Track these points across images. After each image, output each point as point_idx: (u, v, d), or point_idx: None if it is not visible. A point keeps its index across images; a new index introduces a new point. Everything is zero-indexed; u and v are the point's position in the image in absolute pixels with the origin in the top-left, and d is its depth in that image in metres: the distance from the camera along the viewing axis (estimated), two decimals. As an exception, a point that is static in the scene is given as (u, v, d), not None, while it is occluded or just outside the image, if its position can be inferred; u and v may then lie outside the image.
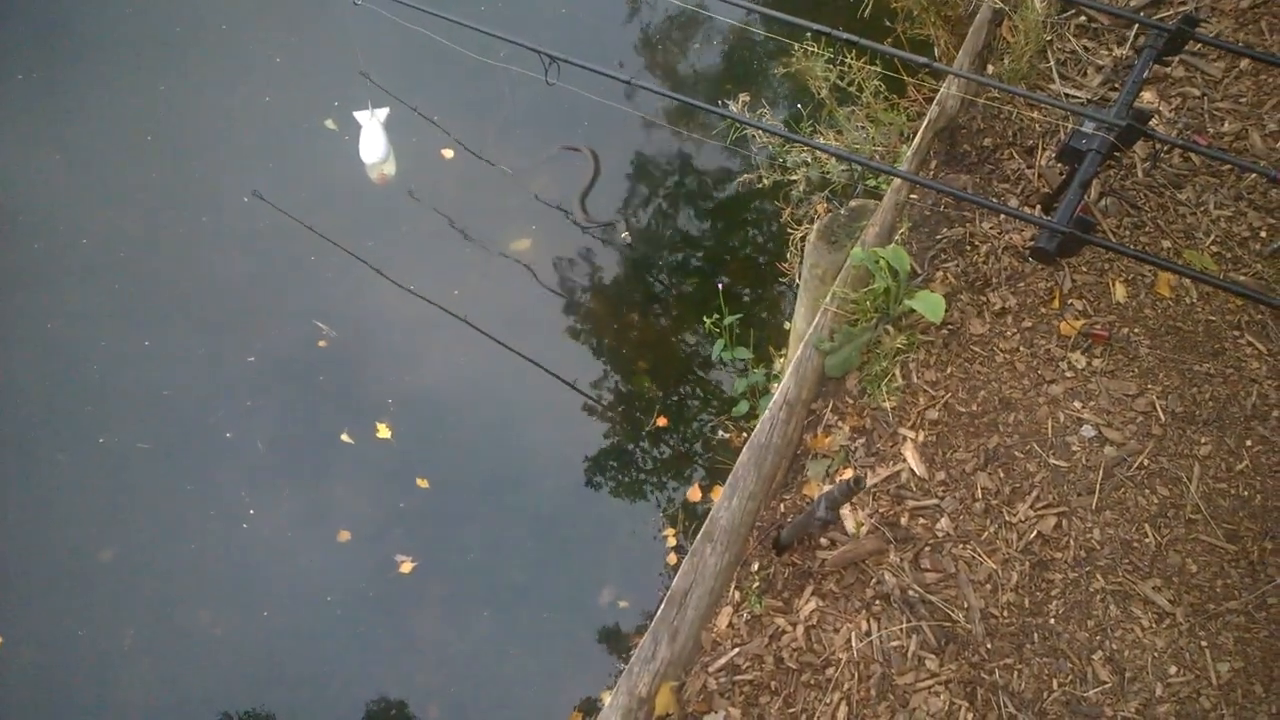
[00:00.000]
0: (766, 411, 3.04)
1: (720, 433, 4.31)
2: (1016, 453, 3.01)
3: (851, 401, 3.19)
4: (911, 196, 3.50)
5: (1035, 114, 3.77)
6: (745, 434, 4.11)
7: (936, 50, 4.69)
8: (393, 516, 4.15)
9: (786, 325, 4.57)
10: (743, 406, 3.96)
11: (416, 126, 5.13)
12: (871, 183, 4.10)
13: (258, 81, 5.22)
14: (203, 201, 4.90)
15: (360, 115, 4.99)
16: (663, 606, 2.71)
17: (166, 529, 4.16)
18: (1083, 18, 4.07)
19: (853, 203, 3.53)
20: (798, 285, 4.45)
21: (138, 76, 5.22)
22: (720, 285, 4.11)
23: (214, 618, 4.00)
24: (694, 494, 4.22)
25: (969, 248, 3.48)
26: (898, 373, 3.21)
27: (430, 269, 4.80)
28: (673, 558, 4.09)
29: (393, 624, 3.97)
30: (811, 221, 4.33)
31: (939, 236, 3.48)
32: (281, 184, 4.94)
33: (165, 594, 4.04)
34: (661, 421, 4.31)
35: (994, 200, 3.41)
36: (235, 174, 4.96)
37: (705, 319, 4.03)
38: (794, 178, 4.52)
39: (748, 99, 4.51)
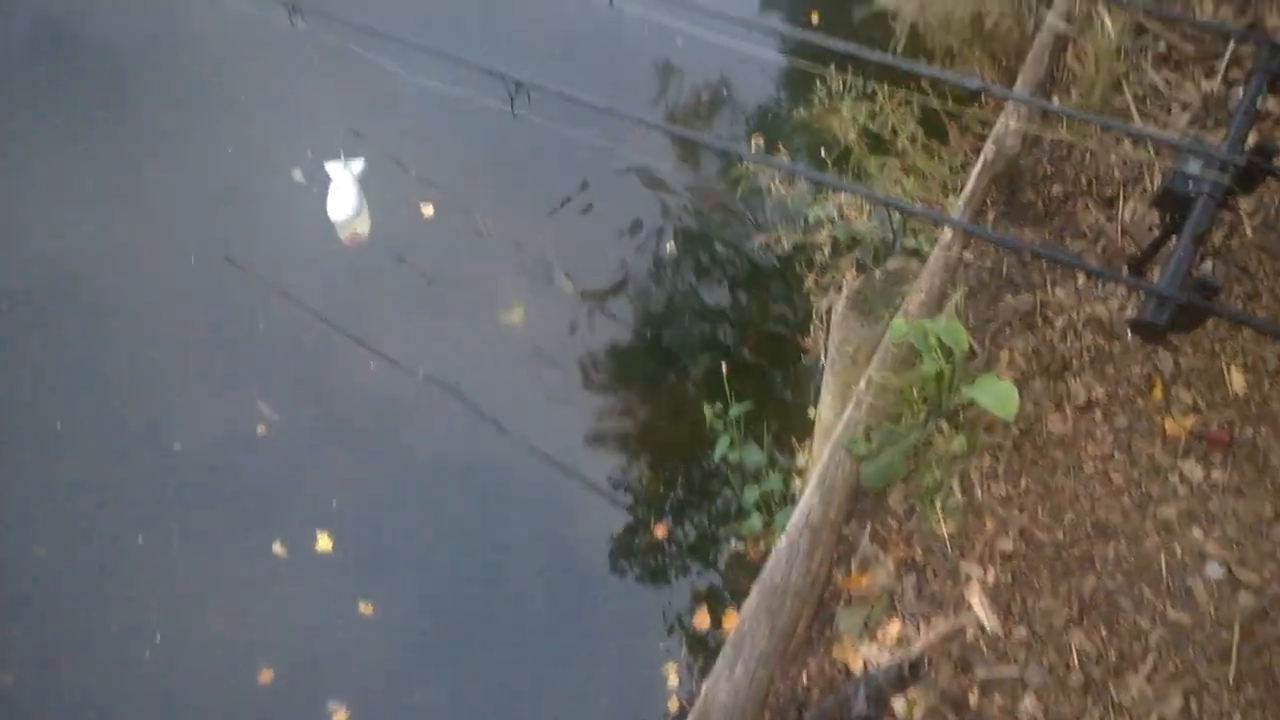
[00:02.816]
0: (782, 538, 2.29)
1: (733, 541, 3.54)
2: (1121, 600, 2.23)
3: (897, 525, 2.43)
4: (965, 255, 2.78)
5: (1114, 156, 3.06)
6: (762, 547, 3.35)
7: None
8: (328, 652, 3.40)
9: (811, 411, 3.84)
10: (754, 522, 3.18)
11: (394, 178, 4.50)
12: (911, 242, 3.38)
13: (221, 129, 4.62)
14: (147, 258, 4.27)
15: (332, 166, 4.37)
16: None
17: (54, 655, 3.44)
18: (1162, 44, 3.37)
19: (890, 264, 2.82)
20: (823, 366, 3.73)
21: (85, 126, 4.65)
22: (725, 368, 3.37)
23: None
24: (700, 620, 3.43)
25: (1040, 321, 2.74)
26: (956, 486, 2.45)
27: (400, 342, 4.11)
28: (674, 703, 3.30)
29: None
30: (839, 289, 3.62)
31: (1001, 306, 2.75)
32: (237, 242, 4.30)
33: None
34: (660, 531, 3.54)
35: (1075, 258, 2.68)
36: (187, 228, 4.34)
37: (706, 408, 3.27)
38: (817, 238, 3.83)
39: (760, 143, 3.84)
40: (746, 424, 3.29)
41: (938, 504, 2.43)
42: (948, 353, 2.44)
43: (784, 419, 3.51)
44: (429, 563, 3.65)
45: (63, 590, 3.58)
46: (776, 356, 3.87)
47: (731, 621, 2.94)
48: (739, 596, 2.66)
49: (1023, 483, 2.50)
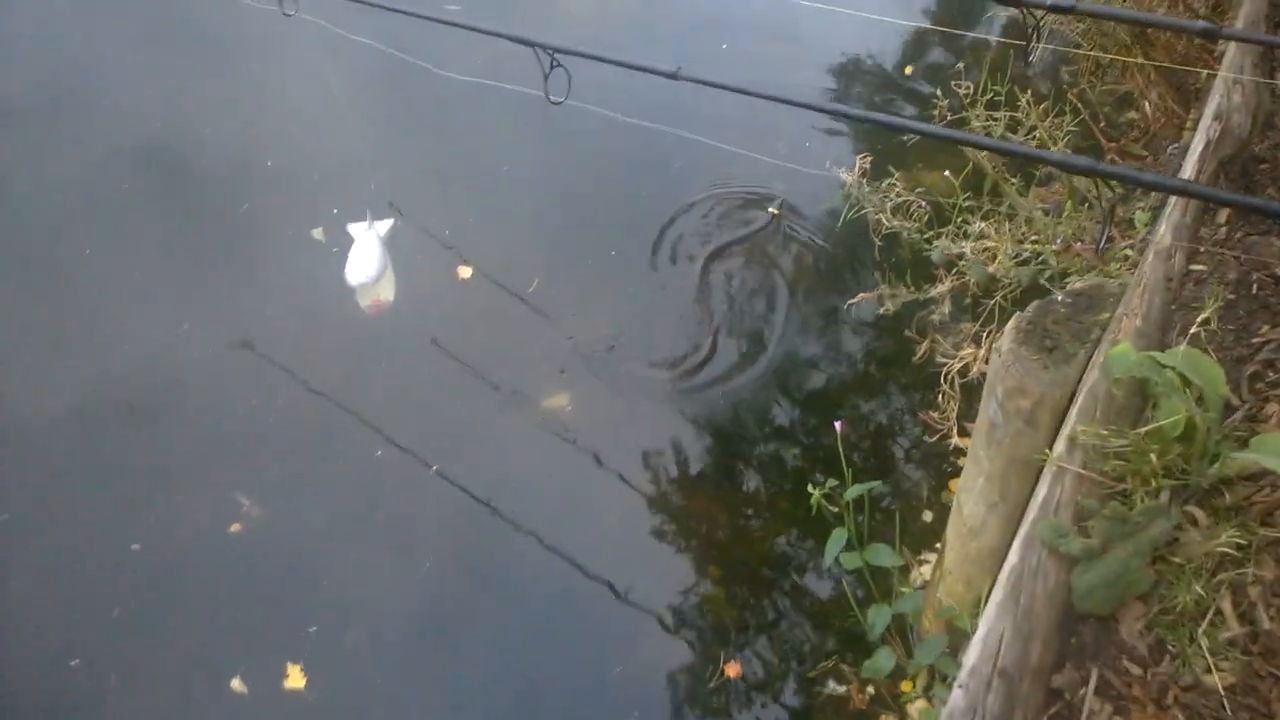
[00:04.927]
0: (955, 694, 1.37)
1: (832, 685, 2.59)
2: None
3: (1140, 672, 1.49)
4: (1194, 267, 1.91)
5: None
6: (874, 696, 2.40)
7: (1146, 111, 3.20)
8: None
9: (928, 516, 2.92)
10: (884, 659, 2.21)
11: (428, 232, 3.83)
12: (1074, 284, 2.50)
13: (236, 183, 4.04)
14: (111, 321, 3.60)
15: (355, 228, 3.75)
16: None
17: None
18: None
19: (1078, 284, 1.96)
20: (955, 446, 2.83)
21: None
22: (838, 426, 2.44)
23: None
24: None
25: (1315, 361, 1.84)
26: (1229, 609, 1.52)
27: (416, 428, 3.32)
28: None
29: None
30: (975, 343, 2.75)
31: (1255, 339, 1.86)
32: (239, 303, 3.63)
33: None
34: (732, 670, 2.60)
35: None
36: (184, 286, 3.68)
37: (812, 489, 2.32)
38: (937, 289, 2.98)
39: (868, 165, 3.03)
40: (868, 514, 2.37)
41: (1202, 638, 1.49)
42: (1198, 400, 1.56)
43: (889, 523, 2.58)
44: (433, 710, 2.76)
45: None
46: (877, 446, 2.97)
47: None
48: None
49: (1326, 606, 1.57)
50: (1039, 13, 2.03)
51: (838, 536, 2.18)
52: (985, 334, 2.68)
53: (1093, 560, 1.50)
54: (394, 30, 3.26)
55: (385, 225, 3.82)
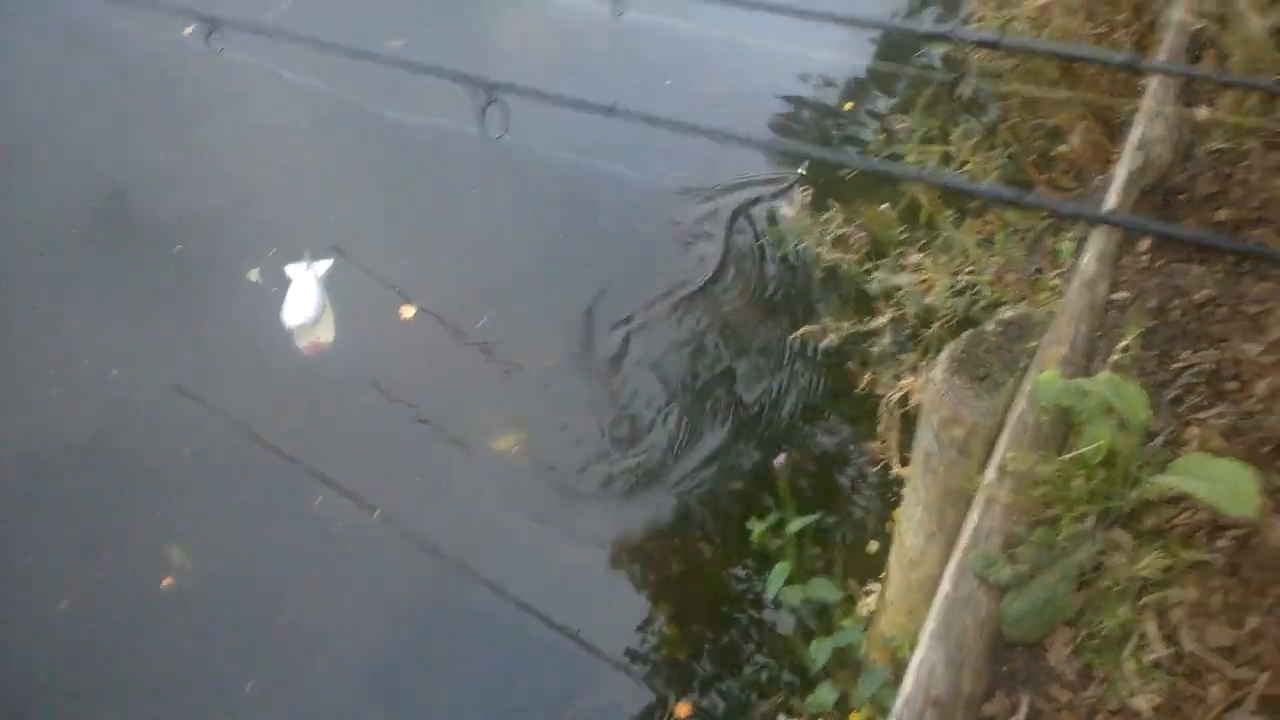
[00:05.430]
0: (888, 725, 1.38)
1: (782, 720, 2.58)
2: None
3: (1068, 697, 1.51)
4: (1117, 295, 1.95)
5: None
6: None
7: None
8: None
9: (872, 546, 2.92)
10: (825, 694, 2.20)
11: (368, 279, 3.81)
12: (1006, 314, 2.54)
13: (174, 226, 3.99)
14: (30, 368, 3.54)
15: (293, 269, 3.74)
16: None
17: None
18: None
19: (1008, 312, 1.99)
20: (897, 476, 2.84)
21: None
22: (778, 462, 2.45)
23: None
24: None
25: (1234, 385, 1.89)
26: (1154, 631, 1.54)
27: (358, 472, 3.28)
28: None
29: None
30: (914, 372, 2.78)
31: (1176, 365, 1.90)
32: (174, 346, 3.58)
33: None
34: (683, 710, 2.58)
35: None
36: (116, 331, 3.62)
37: (753, 524, 2.32)
38: (877, 322, 3.01)
39: (809, 196, 3.07)
40: (809, 547, 2.37)
41: (1128, 661, 1.51)
42: (1121, 425, 1.59)
43: (835, 553, 2.60)
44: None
45: None
46: (821, 476, 2.98)
47: None
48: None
49: (1250, 622, 1.60)
50: (968, 48, 2.09)
51: (780, 571, 2.19)
52: (924, 363, 2.71)
53: (1022, 587, 1.51)
54: (334, 68, 3.27)
55: (324, 265, 3.81)
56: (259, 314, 3.64)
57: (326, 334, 3.65)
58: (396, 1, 4.63)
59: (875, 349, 3.06)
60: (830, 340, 3.12)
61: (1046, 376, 1.62)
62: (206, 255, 3.91)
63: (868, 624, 2.52)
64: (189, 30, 4.15)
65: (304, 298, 3.66)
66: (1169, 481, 1.50)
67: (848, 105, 4.23)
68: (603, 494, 3.17)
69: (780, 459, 2.48)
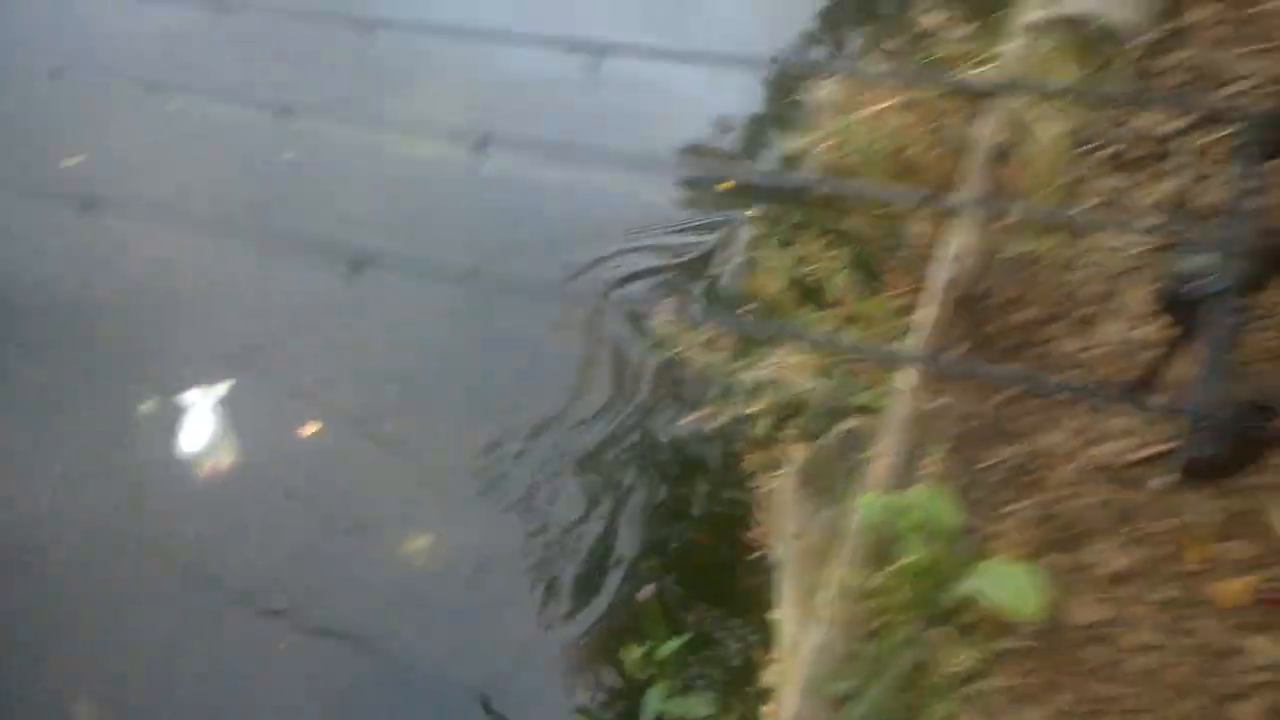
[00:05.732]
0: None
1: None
2: None
3: (906, 788, 1.74)
4: (934, 404, 2.21)
5: (1077, 272, 2.59)
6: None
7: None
8: None
9: (773, 614, 3.12)
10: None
11: (269, 395, 3.87)
12: (865, 398, 2.81)
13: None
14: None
15: (189, 396, 3.78)
16: None
17: None
18: (1110, 149, 2.99)
19: (842, 425, 2.25)
20: (776, 566, 3.06)
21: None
22: (646, 593, 2.62)
23: None
24: None
25: (1036, 476, 2.16)
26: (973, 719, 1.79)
27: (274, 587, 3.36)
28: None
29: None
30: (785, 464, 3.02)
31: (987, 464, 2.17)
32: (63, 476, 3.60)
33: None
34: None
35: (1087, 389, 2.10)
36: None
37: (626, 651, 2.49)
38: (753, 408, 3.26)
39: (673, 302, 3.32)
40: (686, 661, 2.54)
41: (955, 748, 1.75)
42: (936, 534, 1.84)
43: (741, 642, 2.78)
44: None
45: None
46: (718, 560, 3.16)
47: None
48: None
49: (1057, 698, 1.85)
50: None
51: (658, 694, 2.36)
52: (789, 454, 2.96)
53: (858, 700, 1.74)
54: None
55: (222, 387, 3.85)
56: (156, 440, 3.68)
57: (225, 457, 3.70)
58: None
59: (756, 429, 3.30)
60: (711, 427, 3.35)
61: (866, 498, 1.87)
62: (96, 378, 3.88)
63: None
64: None
65: (201, 425, 3.71)
66: (970, 587, 1.75)
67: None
68: (515, 601, 3.28)
69: (647, 590, 2.67)
